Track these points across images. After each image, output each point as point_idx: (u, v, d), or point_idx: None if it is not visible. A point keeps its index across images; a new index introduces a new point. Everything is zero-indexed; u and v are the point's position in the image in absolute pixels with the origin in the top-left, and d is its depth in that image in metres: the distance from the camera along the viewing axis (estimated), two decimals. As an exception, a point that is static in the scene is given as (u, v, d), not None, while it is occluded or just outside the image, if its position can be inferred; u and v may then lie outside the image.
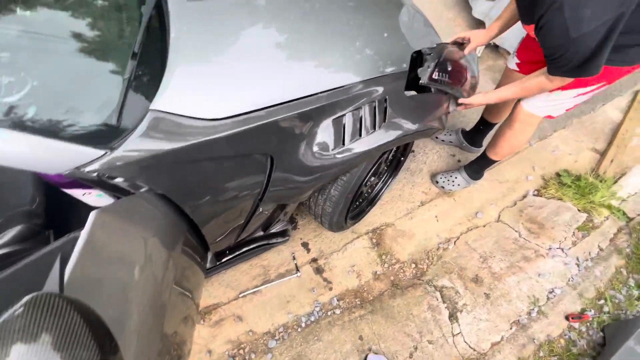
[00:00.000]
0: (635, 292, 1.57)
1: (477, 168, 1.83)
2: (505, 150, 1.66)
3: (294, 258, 1.60)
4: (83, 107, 0.81)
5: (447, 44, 1.41)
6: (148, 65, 0.90)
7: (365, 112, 1.09)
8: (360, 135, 1.10)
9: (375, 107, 1.12)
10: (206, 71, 0.89)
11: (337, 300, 1.51)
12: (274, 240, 1.47)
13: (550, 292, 1.54)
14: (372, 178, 1.58)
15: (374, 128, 1.12)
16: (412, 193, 1.89)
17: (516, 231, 1.77)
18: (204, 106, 0.85)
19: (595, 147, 2.25)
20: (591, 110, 2.44)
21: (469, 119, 2.20)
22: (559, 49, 1.04)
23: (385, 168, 1.68)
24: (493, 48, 2.60)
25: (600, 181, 1.99)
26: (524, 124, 1.51)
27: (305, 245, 1.65)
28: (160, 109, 0.81)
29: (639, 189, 1.98)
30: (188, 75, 0.86)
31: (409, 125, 1.22)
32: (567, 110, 1.42)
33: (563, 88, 1.31)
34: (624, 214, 1.87)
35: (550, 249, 1.68)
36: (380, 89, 1.11)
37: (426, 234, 1.76)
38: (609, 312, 1.52)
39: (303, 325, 1.45)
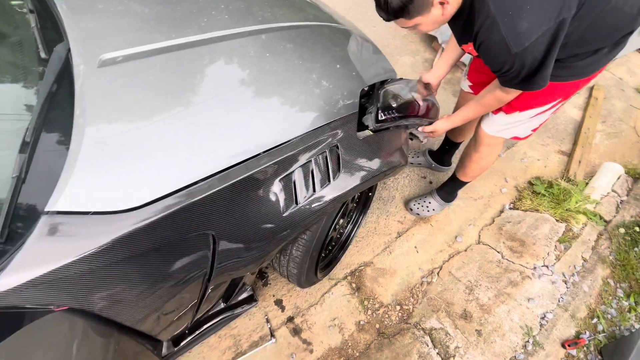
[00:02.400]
0: (625, 303, 1.49)
1: (449, 190, 1.73)
2: (474, 172, 1.57)
3: (267, 321, 1.43)
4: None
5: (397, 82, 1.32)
6: (44, 155, 0.73)
7: (316, 165, 0.96)
8: (314, 190, 0.96)
9: (326, 157, 0.98)
10: (118, 153, 0.72)
11: (320, 363, 1.35)
12: (239, 310, 1.29)
13: (543, 318, 1.44)
14: (340, 221, 1.44)
15: (328, 180, 0.98)
16: (387, 224, 1.76)
17: (498, 252, 1.68)
18: (116, 196, 0.67)
19: (561, 149, 2.22)
20: (552, 112, 2.42)
21: (435, 139, 2.11)
22: (504, 65, 0.94)
23: (354, 206, 1.55)
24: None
25: (574, 185, 1.94)
26: (490, 146, 1.42)
27: (279, 302, 1.47)
28: (59, 209, 0.63)
29: (609, 188, 1.95)
30: (95, 161, 0.69)
31: (368, 169, 1.09)
32: (533, 130, 1.35)
33: (520, 109, 1.23)
34: (601, 217, 1.81)
35: (535, 268, 1.59)
36: (330, 137, 0.98)
37: (408, 268, 1.63)
38: (603, 331, 1.43)
39: (285, 400, 1.27)
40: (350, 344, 1.40)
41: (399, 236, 1.72)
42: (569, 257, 1.64)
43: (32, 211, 0.65)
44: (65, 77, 0.81)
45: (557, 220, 1.77)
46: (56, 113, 0.77)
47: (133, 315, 0.76)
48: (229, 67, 0.95)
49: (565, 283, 1.54)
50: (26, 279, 0.57)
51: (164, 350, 1.16)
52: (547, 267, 1.59)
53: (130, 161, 0.71)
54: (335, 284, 1.54)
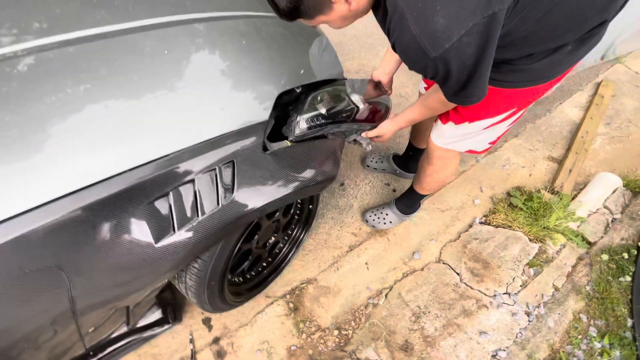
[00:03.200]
0: (598, 345, 1.29)
1: (408, 202, 1.55)
2: (431, 185, 1.38)
3: (191, 341, 1.32)
4: None
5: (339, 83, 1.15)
6: None
7: (201, 185, 0.82)
8: (197, 215, 0.82)
9: (216, 176, 0.84)
10: None
11: (241, 391, 1.25)
12: (149, 332, 1.19)
13: (494, 357, 1.26)
14: (271, 239, 1.30)
15: (218, 203, 0.84)
16: (340, 236, 1.61)
17: (457, 274, 1.49)
18: None
19: (552, 155, 1.96)
20: (547, 112, 2.14)
21: (400, 143, 1.91)
22: (426, 70, 0.75)
23: (294, 221, 1.40)
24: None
25: (558, 198, 1.71)
26: (443, 159, 1.23)
27: (206, 321, 1.37)
28: None
29: (601, 204, 1.70)
30: None
31: (275, 188, 0.93)
32: (491, 143, 1.15)
33: (469, 119, 1.03)
34: (583, 239, 1.58)
35: (494, 295, 1.40)
36: (223, 151, 0.83)
37: (354, 287, 1.48)
38: (565, 376, 1.25)
39: None
40: (277, 371, 1.29)
41: (351, 250, 1.57)
42: (538, 284, 1.44)
43: None
44: None
45: (530, 240, 1.56)
46: None
47: None
48: (91, 65, 0.79)
49: (528, 315, 1.36)
50: None
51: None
52: (509, 295, 1.40)
53: None
54: (272, 303, 1.42)
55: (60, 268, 0.68)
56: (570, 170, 1.82)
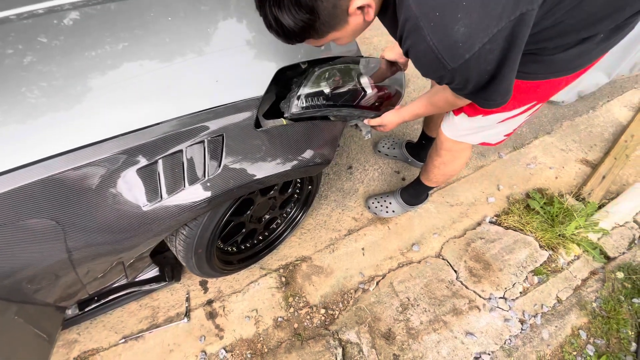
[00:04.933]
0: (592, 363, 1.23)
1: (413, 192, 1.50)
2: (437, 178, 1.32)
3: (187, 299, 1.42)
4: None
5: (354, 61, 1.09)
6: None
7: (189, 156, 0.84)
8: (184, 185, 0.85)
9: (205, 149, 0.86)
10: None
11: (226, 351, 1.33)
12: (147, 287, 1.29)
13: (477, 359, 1.24)
14: (266, 216, 1.32)
15: (204, 175, 0.86)
16: (340, 219, 1.61)
17: (455, 271, 1.45)
18: None
19: (586, 158, 1.79)
20: (590, 110, 1.93)
21: (417, 129, 1.82)
22: (442, 79, 0.70)
23: (293, 199, 1.41)
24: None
25: (584, 205, 1.57)
26: (452, 152, 1.16)
27: (203, 283, 1.45)
28: None
29: (631, 217, 1.55)
30: None
31: (265, 167, 0.94)
32: (507, 135, 1.06)
33: (484, 113, 0.95)
34: (602, 252, 1.46)
35: (489, 298, 1.36)
36: (212, 125, 0.84)
37: (347, 271, 1.49)
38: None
39: (183, 379, 1.29)
40: (262, 339, 1.36)
41: (349, 234, 1.57)
42: (539, 293, 1.37)
43: None
44: None
45: (540, 246, 1.47)
46: None
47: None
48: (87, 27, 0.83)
49: (522, 324, 1.30)
50: None
51: (69, 312, 1.21)
52: (505, 299, 1.35)
53: None
54: (265, 275, 1.47)
55: (56, 220, 0.74)
56: (603, 177, 1.66)
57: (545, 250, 1.46)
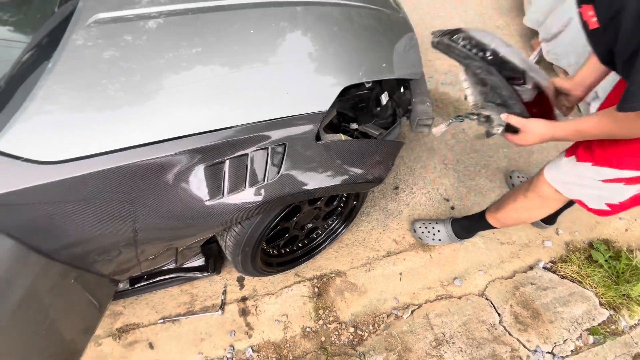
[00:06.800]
0: None
1: (468, 227, 1.43)
2: (508, 220, 1.20)
3: (224, 293, 1.48)
4: None
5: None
6: (7, 100, 0.84)
7: (253, 161, 0.90)
8: (245, 186, 0.91)
9: (268, 155, 0.91)
10: (70, 109, 0.77)
11: (253, 351, 1.36)
12: (190, 275, 1.37)
13: (513, 414, 1.15)
14: (309, 225, 1.35)
15: (264, 180, 0.91)
16: (379, 239, 1.59)
17: (499, 314, 1.37)
18: (44, 147, 0.73)
19: (666, 214, 1.61)
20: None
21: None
22: None
23: (336, 213, 1.43)
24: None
25: (657, 266, 1.41)
26: (543, 198, 1.02)
27: (240, 280, 1.51)
28: None
29: None
30: (44, 112, 0.75)
31: (318, 179, 0.97)
32: (610, 206, 0.90)
33: (595, 162, 0.83)
34: (676, 323, 1.30)
35: (535, 351, 1.25)
36: (277, 134, 0.90)
37: (382, 293, 1.47)
38: None
39: (209, 369, 1.34)
40: (288, 345, 1.37)
41: (387, 256, 1.55)
42: (593, 355, 1.24)
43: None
44: (58, 31, 0.89)
45: (600, 304, 1.33)
46: (34, 62, 0.87)
47: (62, 254, 0.85)
48: (199, 38, 0.92)
49: (570, 385, 1.19)
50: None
51: (121, 286, 1.33)
52: (553, 355, 1.24)
53: (78, 118, 0.76)
54: (299, 282, 1.49)
55: (130, 202, 0.82)
56: (686, 238, 1.48)
57: (606, 309, 1.33)
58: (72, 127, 0.76)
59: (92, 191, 0.76)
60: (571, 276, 1.42)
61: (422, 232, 1.52)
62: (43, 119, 0.75)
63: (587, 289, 1.38)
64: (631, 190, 0.82)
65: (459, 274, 1.49)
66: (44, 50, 0.88)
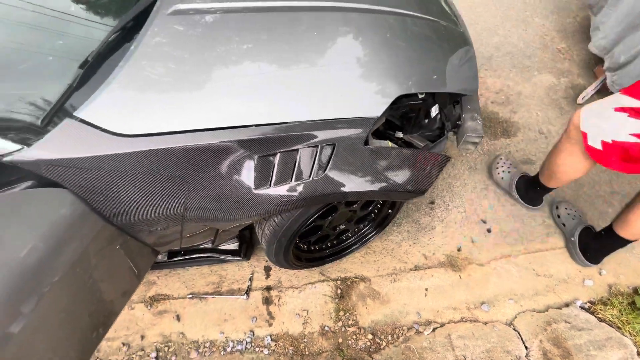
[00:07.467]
0: None
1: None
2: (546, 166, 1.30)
3: (250, 279, 1.54)
4: (21, 104, 0.89)
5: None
6: (93, 74, 0.93)
7: (302, 157, 0.94)
8: (291, 180, 0.95)
9: (316, 154, 0.94)
10: (147, 89, 0.85)
11: (271, 339, 1.40)
12: (224, 257, 1.43)
13: None
14: (342, 226, 1.37)
15: (309, 177, 0.95)
16: (408, 252, 1.58)
17: (526, 347, 1.31)
18: (121, 121, 0.81)
19: None
20: None
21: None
22: None
23: (369, 218, 1.43)
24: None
25: None
26: (570, 137, 1.10)
27: (267, 269, 1.56)
28: (80, 117, 0.82)
29: None
30: (124, 89, 0.83)
31: (360, 182, 0.99)
32: (612, 143, 0.92)
33: (624, 90, 0.89)
34: None
35: (562, 392, 1.19)
36: (328, 134, 0.93)
37: (405, 306, 1.46)
38: None
39: (228, 349, 1.39)
40: (306, 340, 1.40)
41: (415, 270, 1.53)
42: (628, 409, 1.16)
43: (66, 113, 0.86)
44: (142, 17, 0.98)
45: (638, 354, 1.24)
46: (119, 43, 0.96)
47: (119, 219, 0.93)
48: (270, 35, 0.98)
49: None
50: (42, 157, 0.76)
51: (160, 257, 1.42)
52: (581, 401, 1.17)
53: (153, 98, 0.84)
54: (323, 281, 1.52)
55: (186, 179, 0.88)
56: None
57: (647, 362, 1.24)
58: (146, 106, 0.84)
59: (156, 166, 0.83)
60: (610, 320, 1.33)
61: (502, 171, 1.63)
62: (121, 95, 0.83)
63: (626, 336, 1.29)
64: (627, 128, 0.83)
65: (487, 299, 1.44)
66: (127, 33, 0.97)
